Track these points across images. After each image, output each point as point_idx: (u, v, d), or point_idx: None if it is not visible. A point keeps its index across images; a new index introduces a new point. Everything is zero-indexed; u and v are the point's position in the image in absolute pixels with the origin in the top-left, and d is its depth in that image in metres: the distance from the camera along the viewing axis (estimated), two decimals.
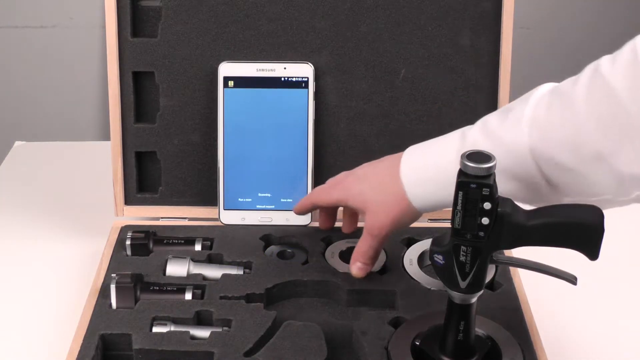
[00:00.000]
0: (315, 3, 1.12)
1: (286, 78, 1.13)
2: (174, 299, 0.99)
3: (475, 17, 1.12)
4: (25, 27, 2.19)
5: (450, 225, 0.80)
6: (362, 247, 0.99)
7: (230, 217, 1.14)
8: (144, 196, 1.17)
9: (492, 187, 0.77)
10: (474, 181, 0.77)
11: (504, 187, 0.83)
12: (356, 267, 1.00)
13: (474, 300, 0.84)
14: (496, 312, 0.97)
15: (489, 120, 0.89)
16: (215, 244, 1.10)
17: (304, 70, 1.13)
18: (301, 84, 1.13)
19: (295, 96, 1.13)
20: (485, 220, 0.78)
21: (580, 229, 0.79)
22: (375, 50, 1.14)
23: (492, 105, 1.14)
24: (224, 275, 1.03)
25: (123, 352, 0.94)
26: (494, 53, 1.13)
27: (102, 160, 1.22)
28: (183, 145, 1.16)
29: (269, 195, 1.15)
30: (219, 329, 0.94)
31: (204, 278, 1.03)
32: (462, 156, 0.78)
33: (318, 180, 1.15)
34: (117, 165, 1.15)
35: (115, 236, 1.12)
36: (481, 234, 0.79)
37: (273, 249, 1.11)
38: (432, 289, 1.01)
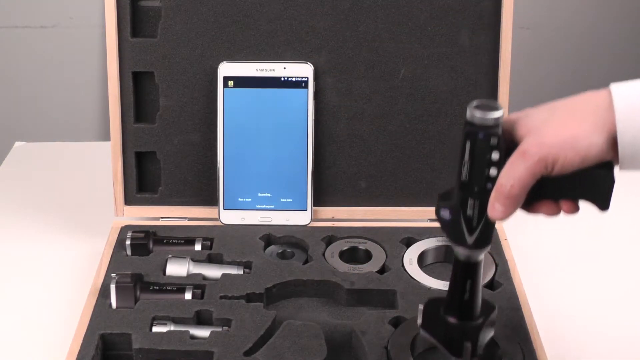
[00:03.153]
0: (315, 3, 1.12)
1: (286, 78, 1.13)
2: (173, 299, 0.99)
3: (475, 16, 1.12)
4: (25, 27, 2.19)
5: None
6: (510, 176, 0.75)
7: (230, 217, 1.14)
8: (143, 196, 1.17)
9: (500, 137, 0.75)
10: (482, 131, 0.75)
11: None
12: (494, 210, 0.76)
13: (480, 257, 0.81)
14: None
15: None
16: (215, 244, 1.10)
17: (303, 70, 1.13)
18: (301, 83, 1.13)
19: (295, 96, 1.13)
20: (493, 172, 0.75)
21: (591, 179, 0.75)
22: (375, 50, 1.14)
23: None
24: (223, 275, 1.03)
25: (123, 351, 0.94)
26: (494, 52, 1.13)
27: (102, 160, 1.22)
28: (183, 145, 1.16)
29: (269, 195, 1.15)
30: (219, 329, 0.94)
31: (204, 278, 1.03)
32: (470, 106, 0.76)
33: (318, 180, 1.15)
34: (117, 165, 1.15)
35: (115, 236, 1.12)
36: (489, 185, 0.76)
37: (273, 249, 1.11)
38: (432, 288, 1.01)
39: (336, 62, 1.14)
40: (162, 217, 1.17)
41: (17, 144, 1.47)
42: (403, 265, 1.05)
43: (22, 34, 2.20)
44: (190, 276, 1.03)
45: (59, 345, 0.96)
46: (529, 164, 0.73)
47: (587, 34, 2.26)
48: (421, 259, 1.07)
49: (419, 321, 0.84)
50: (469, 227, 0.78)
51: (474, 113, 0.76)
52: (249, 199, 1.14)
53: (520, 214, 0.78)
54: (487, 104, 0.76)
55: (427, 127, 1.15)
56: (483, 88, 1.14)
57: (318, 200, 1.16)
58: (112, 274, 1.01)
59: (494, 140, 0.75)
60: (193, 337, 0.93)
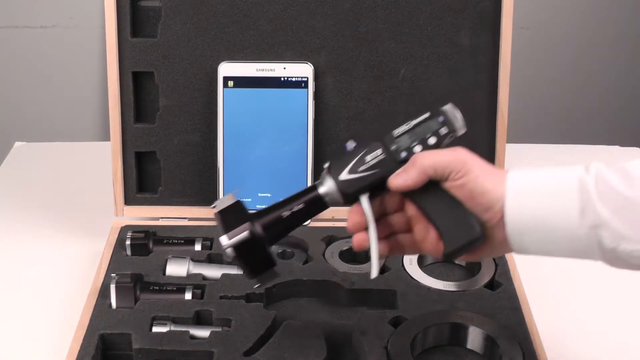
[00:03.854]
0: (315, 3, 1.12)
1: (286, 78, 1.13)
2: (173, 299, 0.99)
3: (475, 16, 1.12)
4: (25, 27, 2.18)
5: None
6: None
7: None
8: (143, 196, 1.17)
9: (453, 135, 0.81)
10: (446, 117, 0.81)
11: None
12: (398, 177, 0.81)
13: (327, 199, 0.82)
14: (496, 312, 0.97)
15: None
16: (215, 244, 1.10)
17: (303, 70, 1.13)
18: (301, 84, 1.13)
19: (294, 96, 1.13)
20: (417, 149, 0.80)
21: (462, 216, 0.79)
22: (375, 50, 1.14)
23: (492, 105, 1.14)
24: (223, 275, 1.03)
25: (123, 351, 0.94)
26: (494, 53, 1.13)
27: (102, 160, 1.22)
28: (183, 145, 1.16)
29: (269, 195, 1.15)
30: (219, 329, 0.94)
31: (204, 278, 1.03)
32: (451, 104, 0.82)
33: (318, 180, 1.15)
34: (117, 165, 1.15)
35: (115, 236, 1.12)
36: (403, 154, 0.80)
37: (273, 248, 1.10)
38: (432, 288, 1.01)
39: (336, 62, 1.14)
40: (162, 217, 1.17)
41: (17, 144, 1.47)
42: (403, 265, 1.05)
43: (22, 34, 2.20)
44: (190, 276, 1.03)
45: (59, 345, 0.96)
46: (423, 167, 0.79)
47: (586, 34, 2.26)
48: (421, 259, 1.07)
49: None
50: (353, 168, 0.80)
51: (452, 106, 0.82)
52: (249, 199, 1.14)
53: None
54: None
55: None
56: (483, 88, 1.14)
57: None
58: (112, 274, 1.01)
59: (444, 130, 0.81)
60: (193, 337, 0.93)
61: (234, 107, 1.13)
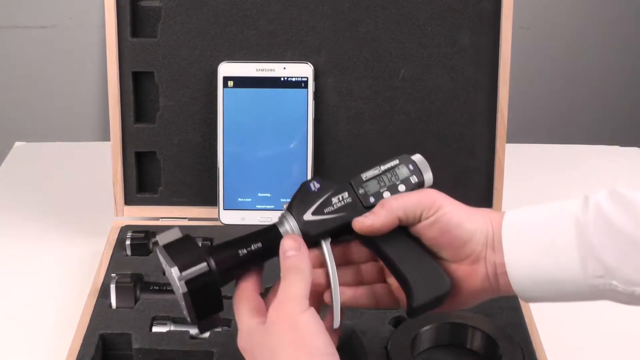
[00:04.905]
0: (315, 3, 1.12)
1: (286, 78, 1.13)
2: (173, 299, 0.98)
3: (475, 16, 1.12)
4: (25, 27, 2.18)
5: None
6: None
7: (230, 217, 1.14)
8: (143, 196, 1.17)
9: (421, 186, 0.78)
10: (416, 167, 0.79)
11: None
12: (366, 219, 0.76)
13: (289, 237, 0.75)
14: (496, 312, 0.97)
15: (621, 188, 0.72)
16: (215, 244, 1.10)
17: (303, 70, 1.13)
18: (301, 83, 1.13)
19: (294, 96, 1.13)
20: (386, 195, 0.77)
21: (431, 271, 0.75)
22: (375, 50, 1.14)
23: (491, 105, 1.14)
24: None
25: (123, 351, 0.94)
26: (494, 53, 1.13)
27: (102, 161, 1.22)
28: (183, 145, 1.16)
29: (268, 195, 1.15)
30: (219, 329, 0.94)
31: None
32: (419, 155, 0.80)
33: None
34: (117, 165, 1.15)
35: (115, 236, 1.12)
36: (371, 200, 0.77)
37: None
38: None
39: (336, 62, 1.14)
40: (162, 217, 1.17)
41: (17, 144, 1.47)
42: None
43: (22, 34, 2.20)
44: None
45: (59, 345, 0.96)
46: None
47: (587, 34, 2.26)
48: None
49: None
50: (319, 210, 0.76)
51: (424, 162, 0.79)
52: (249, 199, 1.14)
53: None
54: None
55: (427, 127, 1.15)
56: (483, 88, 1.14)
57: None
58: (112, 274, 1.01)
59: (414, 179, 0.78)
60: (193, 337, 0.93)
61: (234, 107, 1.13)
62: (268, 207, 1.14)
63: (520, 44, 1.36)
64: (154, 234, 1.11)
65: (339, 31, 1.13)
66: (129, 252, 1.08)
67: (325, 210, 0.76)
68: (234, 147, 1.14)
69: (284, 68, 1.12)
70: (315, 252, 0.75)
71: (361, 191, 0.77)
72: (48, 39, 2.20)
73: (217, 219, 1.15)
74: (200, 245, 0.74)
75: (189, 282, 0.70)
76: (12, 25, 2.19)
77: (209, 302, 0.73)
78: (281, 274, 0.72)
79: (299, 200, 0.77)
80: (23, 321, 1.04)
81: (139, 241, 1.08)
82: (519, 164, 1.31)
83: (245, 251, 0.74)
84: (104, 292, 1.00)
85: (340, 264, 0.77)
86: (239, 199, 1.15)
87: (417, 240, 0.76)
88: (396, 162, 0.79)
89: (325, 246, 0.75)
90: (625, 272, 0.68)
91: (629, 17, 2.26)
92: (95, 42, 2.19)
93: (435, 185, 1.16)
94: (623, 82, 2.32)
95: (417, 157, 0.80)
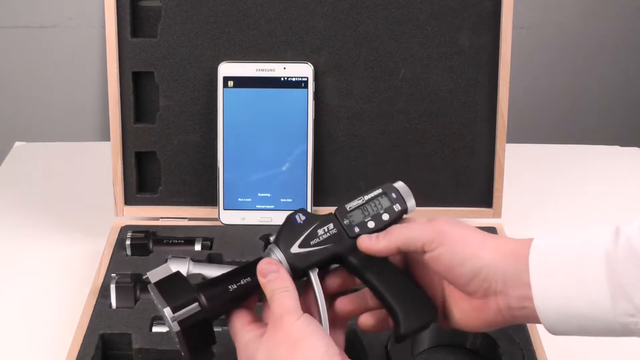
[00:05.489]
0: (315, 3, 1.12)
1: (286, 78, 1.13)
2: None
3: (475, 16, 1.12)
4: (25, 27, 2.18)
5: None
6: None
7: (230, 217, 1.14)
8: (143, 196, 1.17)
9: (405, 213, 0.79)
10: (399, 195, 0.79)
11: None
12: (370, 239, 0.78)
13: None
14: None
15: None
16: (215, 244, 1.10)
17: (303, 70, 1.13)
18: (301, 83, 1.13)
19: (294, 96, 1.13)
20: (370, 224, 0.78)
21: (417, 300, 0.77)
22: (375, 50, 1.14)
23: (491, 105, 1.14)
24: None
25: (123, 351, 0.94)
26: (494, 53, 1.13)
27: (102, 161, 1.22)
28: (183, 145, 1.16)
29: (268, 195, 1.15)
30: (219, 329, 0.94)
31: (204, 278, 1.03)
32: (401, 182, 0.81)
33: (318, 180, 1.15)
34: (117, 165, 1.15)
35: (115, 236, 1.12)
36: (356, 230, 0.78)
37: None
38: None
39: (336, 62, 1.14)
40: (162, 217, 1.17)
41: (17, 144, 1.47)
42: None
43: (22, 34, 2.20)
44: (190, 276, 1.03)
45: (59, 345, 0.96)
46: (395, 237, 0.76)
47: (587, 34, 2.26)
48: None
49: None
50: (305, 242, 0.77)
51: (407, 189, 0.80)
52: (249, 199, 1.14)
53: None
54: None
55: (427, 127, 1.15)
56: (483, 88, 1.14)
57: (318, 201, 1.16)
58: (112, 274, 1.01)
59: (397, 208, 0.79)
60: None
61: (234, 107, 1.13)
62: (268, 207, 1.14)
63: (520, 44, 1.36)
64: (154, 234, 1.11)
65: (339, 31, 1.13)
66: (129, 252, 1.08)
67: (312, 243, 0.77)
68: (234, 147, 1.14)
69: (284, 68, 1.12)
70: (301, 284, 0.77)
71: (346, 222, 0.78)
72: (48, 39, 2.20)
73: (217, 219, 1.15)
74: (190, 282, 0.76)
75: (181, 322, 0.73)
76: (12, 25, 2.19)
77: (202, 338, 0.75)
78: (268, 297, 0.74)
79: (285, 234, 0.78)
80: (23, 321, 1.04)
81: (139, 241, 1.08)
82: (519, 164, 1.31)
83: (235, 286, 0.76)
84: (104, 292, 1.00)
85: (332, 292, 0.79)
86: (239, 199, 1.15)
87: (403, 270, 0.78)
88: (379, 191, 0.80)
89: (313, 277, 0.77)
90: None
91: (629, 17, 2.26)
92: (95, 42, 2.19)
93: (435, 185, 1.17)
94: (623, 82, 2.32)
95: (399, 185, 0.81)
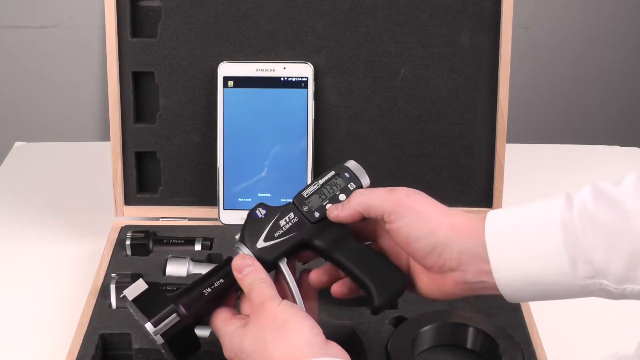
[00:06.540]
0: (315, 3, 1.12)
1: (286, 78, 1.13)
2: None
3: (475, 16, 1.12)
4: (25, 27, 2.19)
5: None
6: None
7: (230, 217, 1.14)
8: (143, 196, 1.17)
9: (360, 188, 0.81)
10: (352, 174, 0.82)
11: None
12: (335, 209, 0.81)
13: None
14: (496, 312, 0.97)
15: (603, 184, 0.71)
16: (215, 244, 1.10)
17: (303, 70, 1.13)
18: (301, 83, 1.13)
19: (294, 96, 1.13)
20: (328, 207, 0.80)
21: (385, 271, 0.79)
22: (375, 50, 1.14)
23: (491, 105, 1.14)
24: None
25: (123, 351, 0.94)
26: (494, 53, 1.13)
27: (102, 161, 1.23)
28: (183, 145, 1.16)
29: (269, 195, 1.15)
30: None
31: None
32: (352, 160, 0.83)
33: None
34: (117, 165, 1.15)
35: (115, 236, 1.12)
36: (316, 214, 0.80)
37: None
38: None
39: (336, 62, 1.14)
40: (162, 217, 1.17)
41: (17, 144, 1.47)
42: None
43: (22, 34, 2.20)
44: (190, 276, 1.03)
45: (59, 345, 0.96)
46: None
47: (587, 34, 2.26)
48: None
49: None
50: (269, 235, 0.80)
51: (358, 166, 0.83)
52: (249, 199, 1.14)
53: None
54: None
55: (427, 127, 1.15)
56: (483, 88, 1.14)
57: None
58: (112, 274, 1.01)
59: (352, 186, 0.82)
60: None
61: (234, 107, 1.13)
62: None
63: (520, 44, 1.36)
64: (154, 234, 1.11)
65: (339, 31, 1.13)
66: (129, 252, 1.08)
67: (276, 235, 0.80)
68: (234, 147, 1.14)
69: (284, 68, 1.12)
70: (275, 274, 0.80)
71: (305, 208, 0.81)
72: (48, 39, 2.20)
73: (217, 219, 1.15)
74: (165, 294, 0.79)
75: (164, 334, 0.75)
76: (12, 25, 2.19)
77: (186, 344, 0.78)
78: (246, 291, 0.77)
79: (249, 230, 0.80)
80: (23, 321, 1.04)
81: (139, 241, 1.08)
82: (519, 164, 1.31)
83: (209, 289, 0.78)
84: (104, 292, 1.00)
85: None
86: (239, 199, 1.15)
87: (369, 244, 0.81)
88: (332, 173, 0.83)
89: (283, 266, 0.79)
90: (614, 272, 0.68)
91: (629, 16, 2.26)
92: (95, 42, 2.19)
93: (435, 185, 1.17)
94: (623, 82, 2.32)
95: (351, 164, 0.83)
